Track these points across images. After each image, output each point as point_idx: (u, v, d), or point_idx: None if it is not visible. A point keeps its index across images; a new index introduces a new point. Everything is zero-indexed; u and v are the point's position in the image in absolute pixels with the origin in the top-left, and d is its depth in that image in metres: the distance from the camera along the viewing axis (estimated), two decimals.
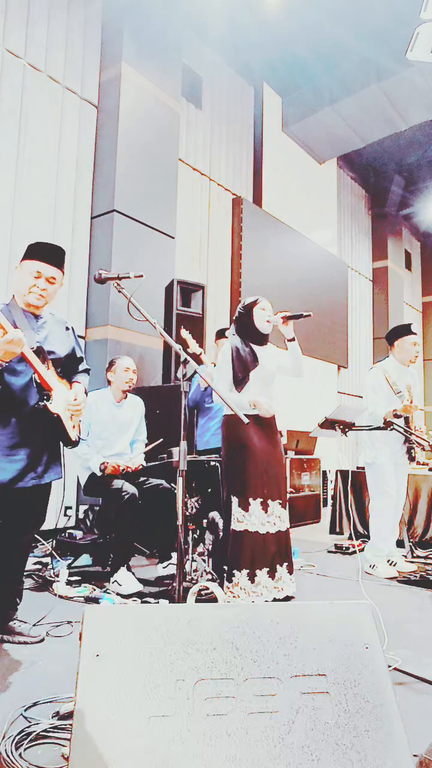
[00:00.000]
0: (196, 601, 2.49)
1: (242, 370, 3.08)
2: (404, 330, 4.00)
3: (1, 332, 1.99)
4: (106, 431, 3.66)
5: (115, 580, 3.23)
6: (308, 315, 3.07)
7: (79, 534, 3.92)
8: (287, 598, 2.98)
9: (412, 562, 4.14)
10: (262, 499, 2.98)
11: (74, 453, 2.72)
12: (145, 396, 4.13)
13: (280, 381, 3.32)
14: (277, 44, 7.29)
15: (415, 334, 3.96)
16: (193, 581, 3.16)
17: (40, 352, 2.26)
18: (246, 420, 2.32)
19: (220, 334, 4.55)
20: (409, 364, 4.02)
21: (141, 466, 3.67)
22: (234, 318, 3.30)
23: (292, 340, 3.19)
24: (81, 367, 2.63)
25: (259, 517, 2.96)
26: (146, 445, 3.87)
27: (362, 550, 4.27)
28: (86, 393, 2.54)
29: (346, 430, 3.43)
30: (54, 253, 2.36)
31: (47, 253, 2.34)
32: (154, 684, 1.20)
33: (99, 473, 3.47)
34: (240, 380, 3.08)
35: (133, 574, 3.32)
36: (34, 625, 2.49)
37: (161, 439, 3.80)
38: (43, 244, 2.37)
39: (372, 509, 4.05)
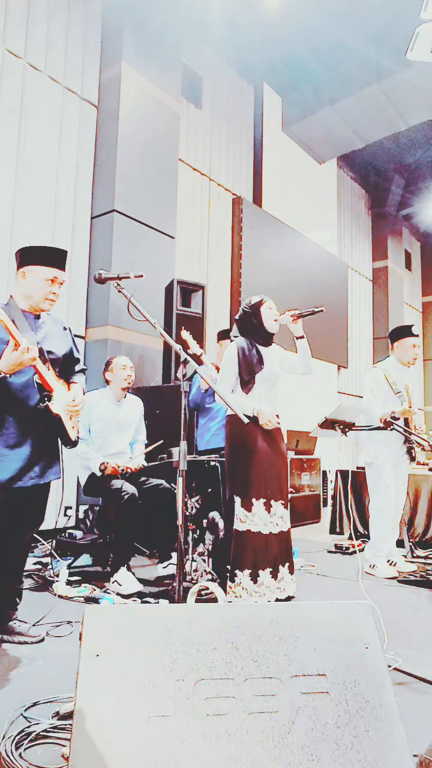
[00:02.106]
0: (196, 601, 2.49)
1: (248, 372, 3.06)
2: (405, 331, 4.00)
3: (13, 344, 2.02)
4: (106, 430, 3.66)
5: (115, 580, 3.23)
6: (320, 310, 3.03)
7: (79, 534, 3.92)
8: (289, 599, 2.98)
9: (412, 562, 4.14)
10: (265, 500, 2.98)
11: (74, 452, 2.72)
12: (145, 396, 4.13)
13: (282, 381, 3.30)
14: (277, 44, 7.28)
15: (416, 336, 3.96)
16: (193, 581, 3.16)
17: (40, 353, 2.26)
18: (246, 420, 2.33)
19: (223, 335, 4.53)
20: (409, 365, 4.03)
21: (142, 467, 3.67)
22: (237, 318, 3.25)
23: (302, 337, 3.16)
24: (77, 368, 2.63)
25: (261, 518, 2.95)
26: (146, 446, 3.86)
27: (362, 550, 4.28)
28: (84, 393, 2.55)
29: (346, 430, 3.44)
30: (62, 257, 2.38)
31: (58, 258, 2.36)
32: (154, 684, 1.20)
33: (99, 473, 3.47)
34: (246, 382, 3.06)
35: (133, 574, 3.32)
36: (33, 624, 2.49)
37: (161, 441, 3.80)
38: (51, 248, 2.37)
39: (372, 509, 4.05)
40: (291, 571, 3.04)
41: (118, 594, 3.12)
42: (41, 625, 2.54)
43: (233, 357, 3.09)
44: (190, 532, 3.39)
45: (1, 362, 2.08)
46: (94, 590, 3.14)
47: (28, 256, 2.34)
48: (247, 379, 3.06)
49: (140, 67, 5.65)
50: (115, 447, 3.68)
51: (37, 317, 2.41)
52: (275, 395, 3.22)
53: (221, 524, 3.22)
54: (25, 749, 1.51)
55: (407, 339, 3.96)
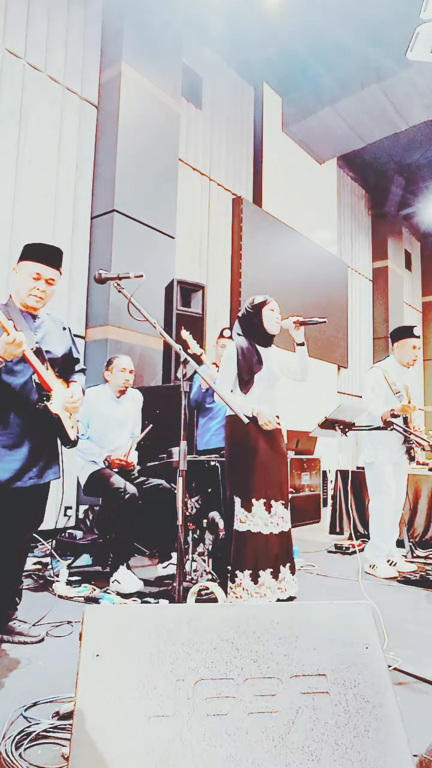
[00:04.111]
0: (196, 601, 2.49)
1: (247, 372, 3.05)
2: (406, 332, 3.99)
3: (4, 333, 2.01)
4: (106, 426, 3.67)
5: (115, 580, 3.23)
6: (323, 321, 3.03)
7: (79, 534, 3.92)
8: (290, 599, 2.98)
9: (412, 562, 4.14)
10: (265, 500, 2.97)
11: (76, 448, 2.72)
12: (145, 396, 4.13)
13: (282, 381, 3.30)
14: (277, 44, 7.28)
15: (417, 337, 3.96)
16: (193, 581, 3.16)
17: (39, 352, 2.26)
18: (246, 420, 2.33)
19: (222, 334, 4.54)
20: (408, 366, 4.02)
21: (133, 465, 3.70)
22: (239, 317, 3.24)
23: (302, 344, 3.16)
24: (77, 367, 2.63)
25: (262, 518, 2.95)
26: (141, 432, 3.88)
27: (362, 550, 4.27)
28: (83, 392, 2.55)
29: (346, 430, 3.43)
30: (52, 254, 2.35)
31: (46, 255, 2.34)
32: (154, 684, 1.20)
33: (105, 465, 3.50)
34: (245, 382, 3.06)
35: (134, 573, 3.32)
36: (33, 624, 2.49)
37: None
38: (41, 245, 2.36)
39: (372, 509, 4.05)
40: (292, 571, 3.04)
41: (118, 594, 3.12)
42: (41, 625, 2.54)
43: (232, 357, 3.09)
44: (190, 532, 3.38)
45: None
46: (94, 590, 3.14)
47: (22, 253, 2.36)
48: (246, 380, 3.05)
49: (140, 67, 5.65)
50: (114, 443, 3.69)
51: (35, 317, 2.41)
52: (275, 395, 3.21)
53: (221, 524, 3.22)
54: (25, 749, 1.51)
55: (408, 340, 3.96)
